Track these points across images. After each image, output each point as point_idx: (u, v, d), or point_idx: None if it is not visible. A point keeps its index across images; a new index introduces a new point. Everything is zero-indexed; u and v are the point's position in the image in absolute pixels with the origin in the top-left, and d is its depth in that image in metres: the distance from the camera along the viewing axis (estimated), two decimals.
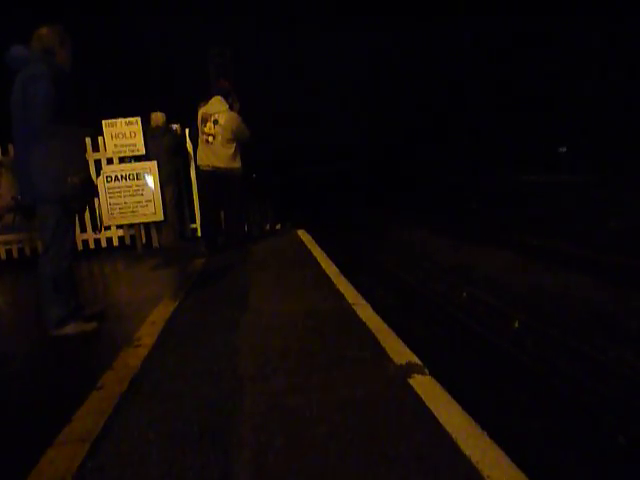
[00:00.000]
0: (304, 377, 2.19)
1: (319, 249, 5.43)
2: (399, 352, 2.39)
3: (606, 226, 7.53)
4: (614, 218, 7.78)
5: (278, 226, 8.92)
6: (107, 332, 3.20)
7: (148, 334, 2.96)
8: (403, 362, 2.25)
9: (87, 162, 3.44)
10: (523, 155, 23.65)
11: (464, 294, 5.24)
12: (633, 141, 18.91)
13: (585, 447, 2.38)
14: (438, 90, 35.33)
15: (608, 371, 3.15)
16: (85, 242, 6.66)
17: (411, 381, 2.06)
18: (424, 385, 2.03)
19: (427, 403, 1.87)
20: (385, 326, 2.81)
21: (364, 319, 2.91)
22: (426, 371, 2.16)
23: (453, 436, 1.64)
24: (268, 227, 8.85)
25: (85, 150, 3.07)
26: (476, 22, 32.61)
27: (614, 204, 9.38)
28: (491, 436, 1.64)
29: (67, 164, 2.94)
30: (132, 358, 2.59)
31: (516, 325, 4.17)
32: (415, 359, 2.29)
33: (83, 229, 6.61)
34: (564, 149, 23.83)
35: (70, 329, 3.08)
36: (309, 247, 5.57)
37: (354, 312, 3.06)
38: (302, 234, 6.59)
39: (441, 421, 1.74)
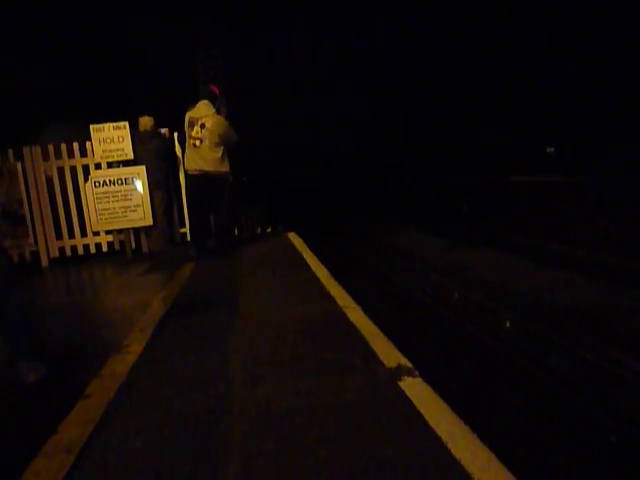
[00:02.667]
0: (294, 382, 2.17)
1: (310, 252, 5.41)
2: (389, 355, 2.38)
3: (597, 226, 7.59)
4: (604, 218, 7.85)
5: (269, 229, 8.91)
6: (95, 339, 3.16)
7: (137, 341, 2.93)
8: (393, 365, 2.24)
9: None
10: (511, 155, 23.76)
11: (455, 294, 5.25)
12: (620, 140, 19.10)
13: (575, 445, 2.39)
14: (420, 91, 35.73)
15: (597, 370, 3.17)
16: (74, 248, 6.58)
17: (401, 384, 2.05)
18: (414, 387, 2.02)
19: (417, 406, 1.86)
20: (375, 328, 2.80)
21: (354, 322, 2.90)
22: (416, 373, 2.15)
23: (443, 439, 1.63)
24: (259, 230, 8.84)
25: None
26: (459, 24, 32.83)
27: (604, 204, 9.47)
28: (482, 438, 1.63)
29: None
30: (120, 365, 2.56)
31: (507, 324, 4.19)
32: (405, 361, 2.28)
33: (71, 235, 6.53)
34: (552, 149, 24.03)
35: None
36: (300, 250, 5.54)
37: (345, 315, 3.04)
38: (293, 237, 6.56)
39: (431, 424, 1.73)
